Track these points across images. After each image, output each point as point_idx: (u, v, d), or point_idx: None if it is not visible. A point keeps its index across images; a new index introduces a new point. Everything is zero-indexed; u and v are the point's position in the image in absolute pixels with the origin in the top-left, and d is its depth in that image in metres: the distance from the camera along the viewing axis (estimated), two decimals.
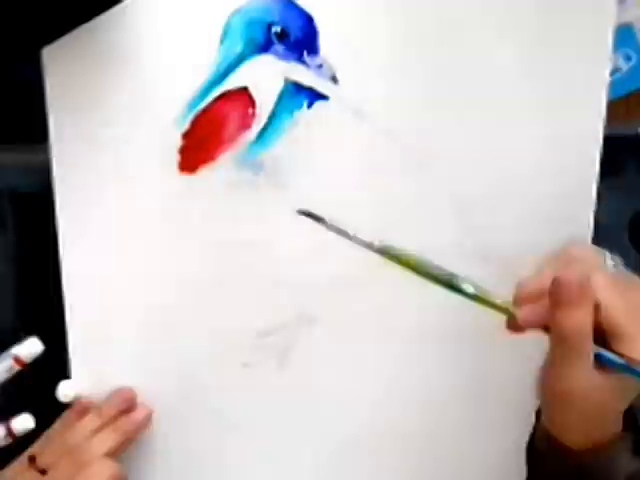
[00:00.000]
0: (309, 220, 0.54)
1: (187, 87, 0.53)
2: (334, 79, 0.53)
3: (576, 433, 0.45)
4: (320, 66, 0.53)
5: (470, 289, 0.45)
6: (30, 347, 0.57)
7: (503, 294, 0.49)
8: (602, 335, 0.42)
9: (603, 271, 0.44)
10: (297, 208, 0.49)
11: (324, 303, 0.56)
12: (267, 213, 0.54)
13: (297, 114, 0.53)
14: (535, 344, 0.45)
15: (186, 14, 0.52)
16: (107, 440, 0.54)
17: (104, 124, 0.53)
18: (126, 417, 0.56)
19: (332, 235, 0.54)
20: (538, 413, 0.49)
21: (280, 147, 0.54)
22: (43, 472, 0.53)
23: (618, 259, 0.46)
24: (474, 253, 0.53)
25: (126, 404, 0.57)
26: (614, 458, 0.45)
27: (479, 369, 0.56)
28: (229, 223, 0.55)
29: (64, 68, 0.52)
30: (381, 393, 0.57)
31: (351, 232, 0.48)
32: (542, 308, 0.43)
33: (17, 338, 0.57)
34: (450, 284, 0.45)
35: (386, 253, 0.46)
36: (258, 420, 0.58)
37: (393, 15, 0.52)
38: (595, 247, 0.48)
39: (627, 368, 0.41)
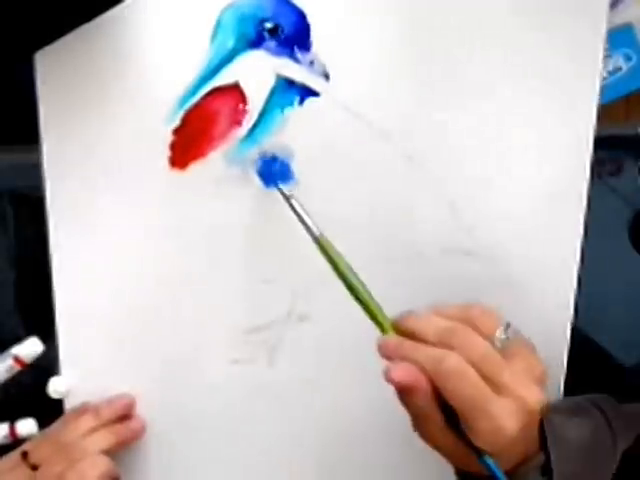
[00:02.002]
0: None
1: (178, 83, 0.53)
2: (326, 75, 0.53)
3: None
4: (312, 62, 0.52)
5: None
6: (30, 347, 0.57)
7: (491, 292, 0.49)
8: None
9: (458, 354, 0.43)
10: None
11: (314, 300, 0.55)
12: (257, 210, 0.54)
13: (288, 110, 0.53)
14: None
15: (178, 10, 0.52)
16: (102, 440, 0.54)
17: (94, 121, 0.53)
18: (123, 423, 0.56)
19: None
20: None
21: (271, 143, 0.53)
22: (35, 468, 0.52)
23: (513, 329, 0.45)
24: (463, 250, 0.53)
25: (124, 410, 0.57)
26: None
27: None
28: (219, 219, 0.54)
29: (54, 66, 0.52)
30: (370, 389, 0.56)
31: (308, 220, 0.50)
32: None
33: (17, 337, 0.57)
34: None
35: (321, 247, 0.49)
36: (247, 416, 0.58)
37: (385, 12, 0.52)
38: (496, 315, 0.46)
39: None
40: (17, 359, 0.57)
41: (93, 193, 0.54)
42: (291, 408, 0.57)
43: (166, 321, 0.56)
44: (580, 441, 0.45)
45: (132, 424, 0.57)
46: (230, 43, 0.52)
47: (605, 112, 0.57)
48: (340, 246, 0.55)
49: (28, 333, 0.58)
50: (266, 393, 0.57)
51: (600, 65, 0.51)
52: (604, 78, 0.66)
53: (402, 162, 0.53)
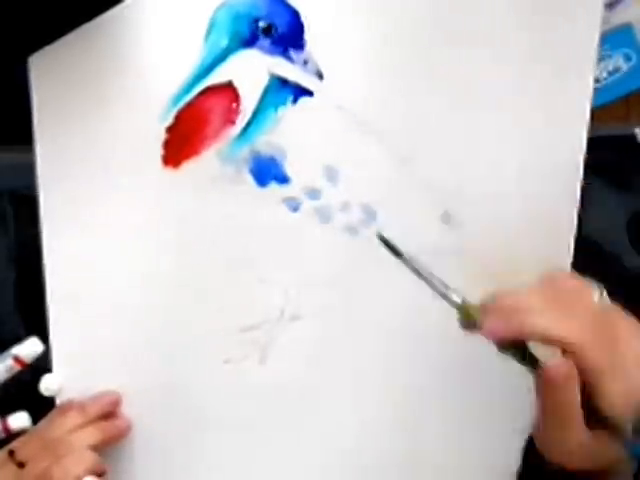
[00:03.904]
0: (292, 217, 0.54)
1: (172, 81, 0.53)
2: (319, 75, 0.53)
3: (576, 463, 0.45)
4: (305, 62, 0.52)
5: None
6: (30, 347, 0.57)
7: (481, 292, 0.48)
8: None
9: (584, 310, 0.43)
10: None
11: (306, 300, 0.55)
12: (250, 208, 0.54)
13: (282, 109, 0.53)
14: None
15: (172, 8, 0.52)
16: (88, 436, 0.54)
17: (87, 120, 0.53)
18: (109, 420, 0.56)
19: (315, 234, 0.55)
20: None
21: (264, 142, 0.53)
22: (21, 465, 0.52)
23: (600, 287, 0.44)
24: (455, 251, 0.53)
25: (110, 407, 0.56)
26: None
27: (459, 367, 0.55)
28: (212, 218, 0.54)
29: (48, 67, 0.53)
30: (362, 389, 0.56)
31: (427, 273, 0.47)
32: (509, 325, 0.43)
33: (17, 337, 0.57)
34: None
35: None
36: (240, 416, 0.57)
37: (378, 11, 0.52)
38: (579, 277, 0.45)
39: None
40: (17, 359, 0.57)
41: (86, 192, 0.55)
42: (283, 407, 0.57)
43: (158, 320, 0.56)
44: None
45: (118, 421, 0.57)
46: (224, 42, 0.52)
47: (605, 112, 0.57)
48: (330, 247, 0.55)
49: (28, 333, 0.58)
50: (258, 392, 0.57)
51: (593, 64, 0.51)
52: (604, 78, 0.66)
53: (395, 161, 0.53)
